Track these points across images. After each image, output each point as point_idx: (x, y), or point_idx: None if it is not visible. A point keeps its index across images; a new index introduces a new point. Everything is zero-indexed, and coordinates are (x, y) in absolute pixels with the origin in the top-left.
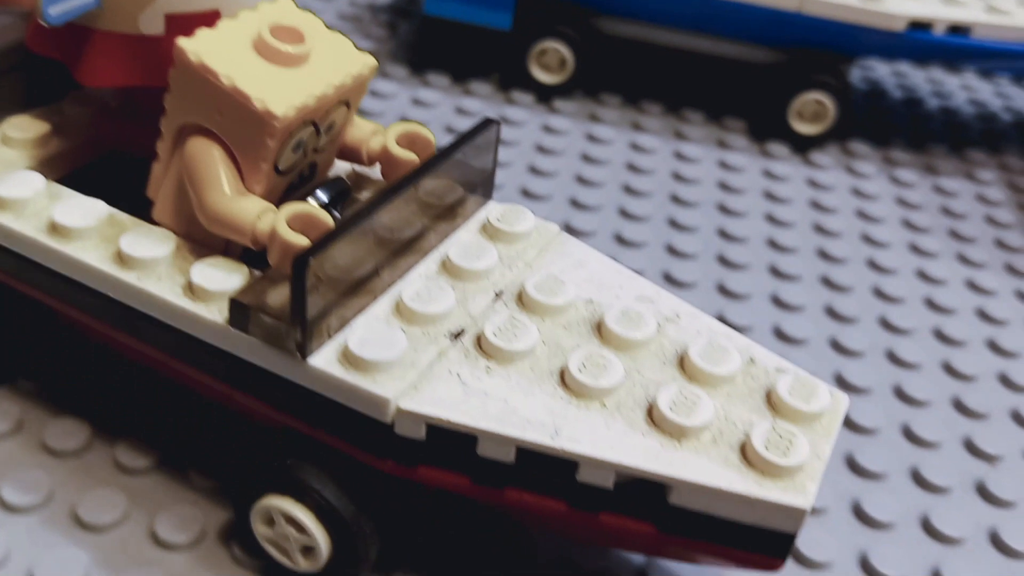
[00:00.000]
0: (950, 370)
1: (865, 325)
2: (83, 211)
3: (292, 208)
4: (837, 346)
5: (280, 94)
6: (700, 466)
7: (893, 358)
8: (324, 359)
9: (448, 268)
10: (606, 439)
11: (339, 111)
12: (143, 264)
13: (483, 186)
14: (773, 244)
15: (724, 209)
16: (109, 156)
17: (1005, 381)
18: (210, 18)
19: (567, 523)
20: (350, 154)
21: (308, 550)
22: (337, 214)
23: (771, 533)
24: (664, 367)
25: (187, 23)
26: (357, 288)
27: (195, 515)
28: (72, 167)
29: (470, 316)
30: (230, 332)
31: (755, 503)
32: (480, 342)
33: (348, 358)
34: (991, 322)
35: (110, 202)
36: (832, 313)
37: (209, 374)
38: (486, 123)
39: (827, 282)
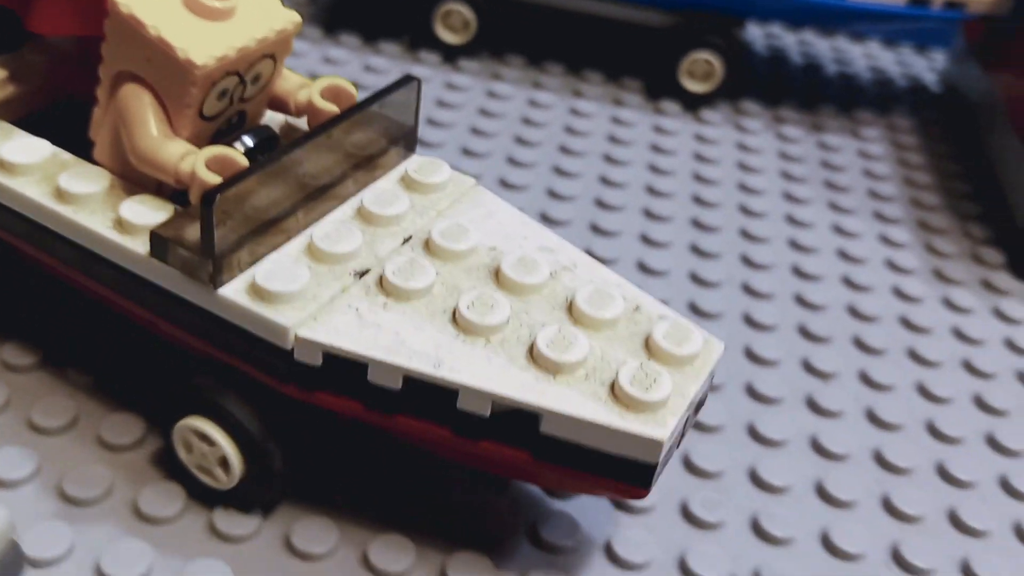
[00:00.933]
0: (802, 301)
1: (727, 260)
2: (28, 149)
3: (211, 150)
4: (696, 278)
5: (203, 45)
6: (569, 398)
7: (748, 289)
8: (233, 290)
9: (362, 214)
10: (485, 371)
11: (265, 64)
12: (78, 199)
13: (406, 140)
14: (651, 190)
15: (609, 159)
16: (66, 102)
17: (853, 311)
18: None
19: (452, 449)
20: (279, 105)
21: (224, 465)
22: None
23: (634, 463)
24: (552, 311)
25: None
26: (270, 227)
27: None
28: (28, 111)
29: (376, 258)
30: (152, 263)
31: (617, 434)
32: (381, 281)
33: (255, 290)
34: (849, 261)
35: (61, 145)
36: (696, 250)
37: (134, 302)
38: (407, 79)
39: (697, 224)
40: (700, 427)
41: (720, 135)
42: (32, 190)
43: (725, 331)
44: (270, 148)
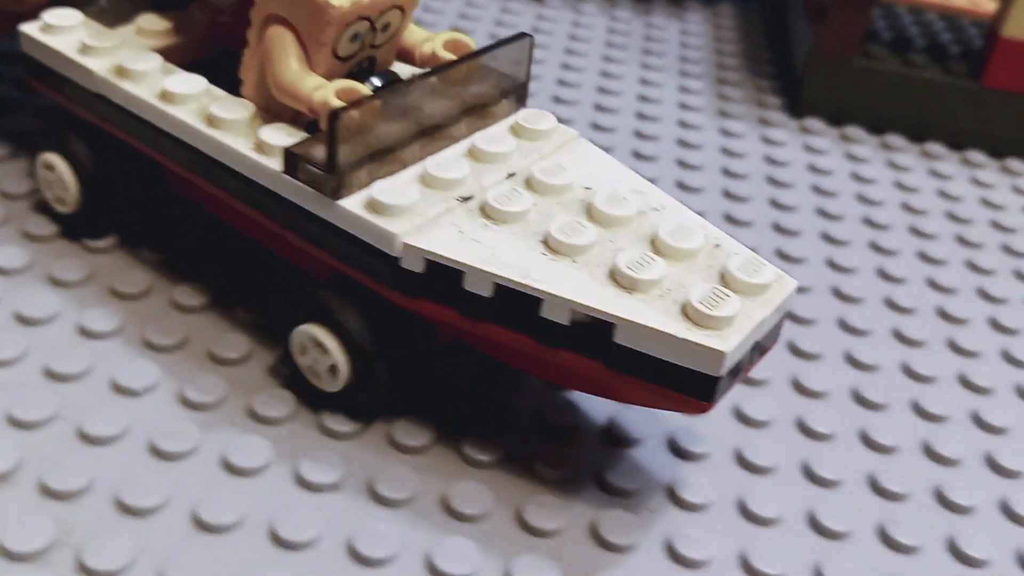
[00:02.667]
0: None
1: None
2: (187, 83)
3: (340, 83)
4: None
5: None
6: (642, 311)
7: None
8: (352, 203)
9: (471, 151)
10: (568, 284)
11: (393, 14)
12: (225, 123)
13: (517, 94)
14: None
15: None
16: (225, 53)
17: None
18: None
19: (535, 358)
20: (406, 56)
21: (332, 370)
22: None
23: (699, 376)
24: (637, 241)
25: None
26: (388, 155)
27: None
28: (191, 58)
29: (480, 187)
30: (284, 179)
31: (684, 345)
32: (483, 207)
33: (370, 203)
34: (646, 101)
35: (217, 84)
36: None
37: (268, 216)
38: (520, 36)
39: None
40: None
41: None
42: (189, 116)
43: None
44: (387, 87)
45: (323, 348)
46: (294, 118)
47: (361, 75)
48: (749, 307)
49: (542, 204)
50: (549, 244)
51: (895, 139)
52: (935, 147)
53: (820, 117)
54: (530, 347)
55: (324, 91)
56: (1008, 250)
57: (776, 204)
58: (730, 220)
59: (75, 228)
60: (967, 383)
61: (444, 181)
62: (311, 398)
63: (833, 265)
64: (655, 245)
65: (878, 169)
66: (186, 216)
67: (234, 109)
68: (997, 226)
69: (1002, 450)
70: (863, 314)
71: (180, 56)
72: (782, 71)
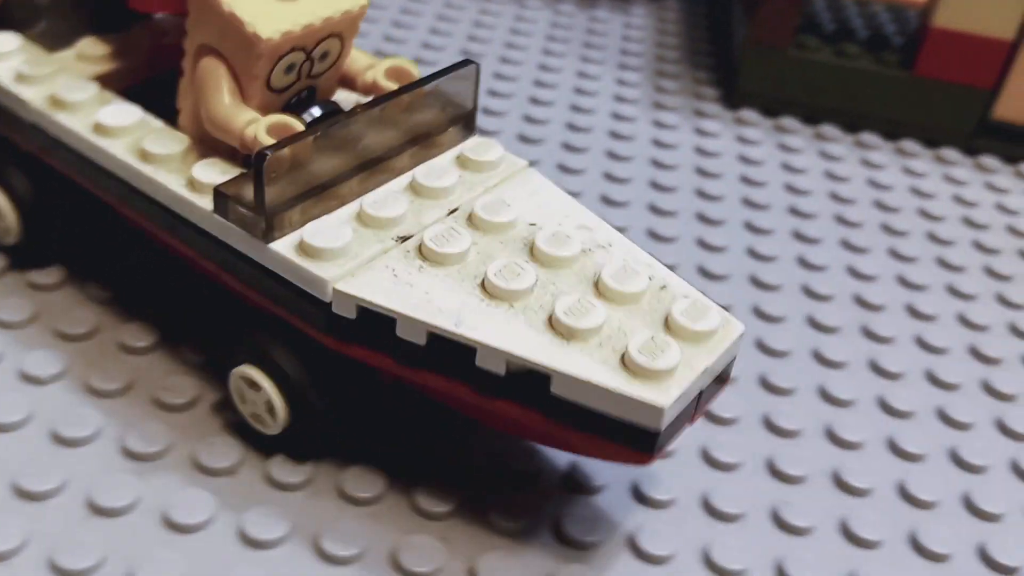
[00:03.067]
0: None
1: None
2: (121, 115)
3: (272, 118)
4: None
5: (270, 21)
6: (579, 362)
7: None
8: (282, 245)
9: (412, 186)
10: (503, 332)
11: (332, 43)
12: (158, 159)
13: (464, 122)
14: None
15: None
16: (169, 75)
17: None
18: None
19: (471, 406)
20: (348, 84)
21: (271, 411)
22: None
23: (638, 429)
24: (579, 284)
25: None
26: (324, 192)
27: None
28: (130, 82)
29: (420, 225)
30: (215, 219)
31: (621, 398)
32: (420, 247)
33: (301, 246)
34: (582, 93)
35: (158, 114)
36: None
37: (200, 255)
38: (464, 63)
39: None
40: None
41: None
42: (121, 150)
43: None
44: (323, 118)
45: (258, 388)
46: (232, 152)
47: (300, 106)
48: (692, 356)
49: (483, 243)
50: (487, 288)
51: (830, 129)
52: (870, 137)
53: (755, 108)
54: (467, 395)
55: (255, 126)
56: (934, 238)
57: (702, 194)
58: (654, 210)
59: (20, 259)
60: (876, 368)
61: (381, 220)
62: (256, 443)
63: (754, 254)
64: (598, 288)
65: (810, 159)
66: (133, 245)
67: (167, 143)
68: (925, 215)
69: (967, 447)
70: (779, 302)
71: (122, 80)
72: (721, 63)
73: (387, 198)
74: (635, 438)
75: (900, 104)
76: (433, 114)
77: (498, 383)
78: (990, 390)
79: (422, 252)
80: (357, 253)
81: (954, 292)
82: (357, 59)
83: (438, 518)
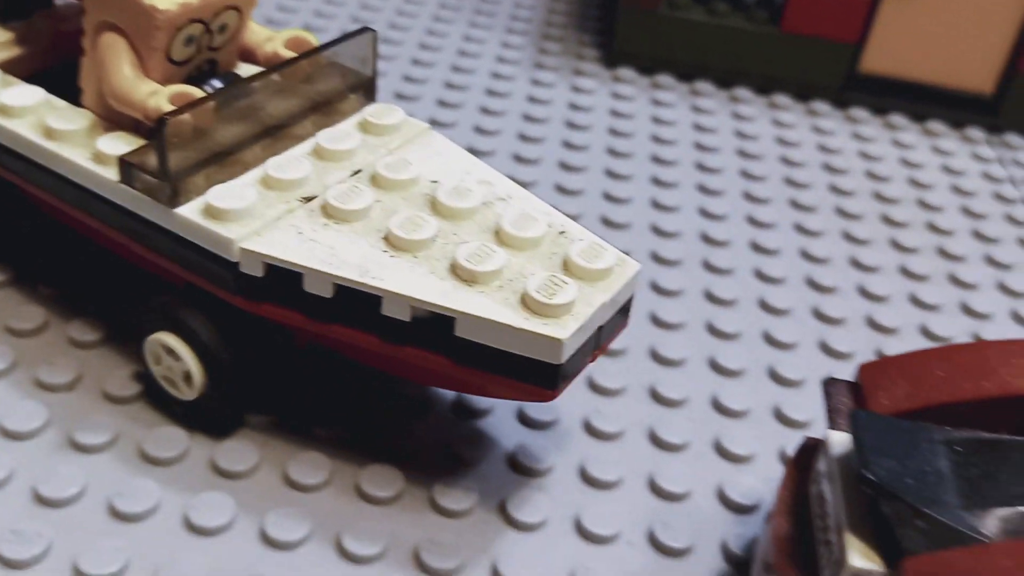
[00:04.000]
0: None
1: None
2: (24, 95)
3: (174, 88)
4: None
5: None
6: (481, 304)
7: None
8: (188, 209)
9: (316, 150)
10: (407, 280)
11: (229, 15)
12: (63, 135)
13: (364, 89)
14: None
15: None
16: (71, 63)
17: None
18: None
19: (380, 356)
20: (248, 56)
21: (187, 378)
22: None
23: (540, 364)
24: (480, 233)
25: None
26: (227, 158)
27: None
28: (35, 69)
29: (323, 187)
30: (120, 188)
31: (523, 335)
32: (324, 205)
33: (207, 209)
34: (463, 54)
35: (61, 96)
36: None
37: (108, 225)
38: (363, 30)
39: None
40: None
41: None
42: (25, 129)
43: None
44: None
45: (176, 356)
46: (135, 126)
47: (201, 79)
48: (588, 293)
49: (386, 200)
50: (390, 241)
51: (704, 86)
52: (742, 92)
53: (633, 67)
54: (375, 345)
55: (157, 97)
56: (790, 182)
57: (567, 144)
58: (519, 160)
59: None
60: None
61: (285, 182)
62: (170, 409)
63: (608, 197)
64: (498, 236)
65: (680, 112)
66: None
67: (71, 120)
68: (786, 161)
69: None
70: (630, 240)
71: (24, 67)
72: (606, 27)
73: (290, 162)
74: (538, 374)
75: (771, 60)
76: (334, 81)
77: (404, 330)
78: (872, 322)
79: (326, 211)
80: (262, 214)
81: (800, 229)
82: (256, 31)
83: (456, 515)
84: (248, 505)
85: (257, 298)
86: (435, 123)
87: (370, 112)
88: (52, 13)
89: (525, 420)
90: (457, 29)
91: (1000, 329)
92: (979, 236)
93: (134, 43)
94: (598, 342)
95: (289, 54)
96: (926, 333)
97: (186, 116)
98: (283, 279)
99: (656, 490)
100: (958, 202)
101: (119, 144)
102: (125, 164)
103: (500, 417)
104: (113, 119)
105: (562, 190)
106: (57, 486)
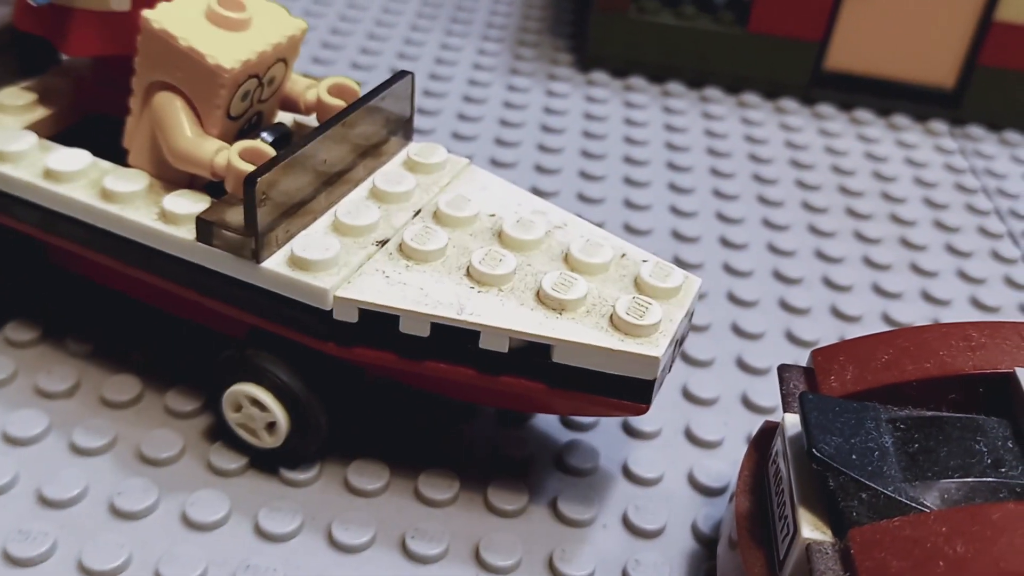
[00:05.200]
0: None
1: None
2: (71, 159)
3: (242, 144)
4: None
5: (227, 52)
6: (575, 330)
7: None
8: (274, 262)
9: (375, 193)
10: (501, 313)
11: (278, 67)
12: (124, 197)
13: (404, 130)
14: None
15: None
16: (87, 119)
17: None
18: None
19: (476, 387)
20: (290, 105)
21: (271, 427)
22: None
23: (634, 381)
24: (551, 261)
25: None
26: (299, 209)
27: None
28: (58, 129)
29: (393, 228)
30: (198, 247)
31: (619, 355)
32: (401, 247)
33: (294, 261)
34: (442, 64)
35: (92, 154)
36: None
37: (181, 285)
38: (401, 74)
39: None
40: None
41: None
42: (81, 193)
43: None
44: (284, 142)
45: (260, 406)
46: (189, 182)
47: (250, 130)
48: (668, 310)
49: (455, 237)
50: (473, 276)
51: (675, 86)
52: (712, 91)
53: (605, 71)
54: (471, 378)
55: (226, 154)
56: (758, 178)
57: (543, 147)
58: (496, 163)
59: None
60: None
61: (358, 228)
62: (254, 458)
63: (583, 197)
64: (570, 263)
65: (652, 113)
66: (72, 291)
67: (129, 181)
68: (753, 158)
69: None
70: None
71: (48, 128)
72: (579, 32)
73: (358, 207)
74: (633, 390)
75: (739, 60)
76: (378, 124)
77: (502, 361)
78: (839, 314)
79: (405, 252)
80: (347, 261)
81: (768, 224)
82: (296, 80)
83: (441, 505)
84: (242, 500)
85: (349, 343)
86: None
87: (414, 152)
88: (63, 70)
89: (505, 416)
90: (434, 38)
91: (959, 314)
92: (940, 226)
93: (193, 101)
94: (675, 353)
95: (334, 101)
96: (888, 320)
97: (271, 172)
98: (377, 322)
99: (630, 476)
100: (920, 193)
101: (185, 202)
102: (203, 223)
103: (481, 414)
104: (166, 177)
105: (538, 192)
106: (60, 488)
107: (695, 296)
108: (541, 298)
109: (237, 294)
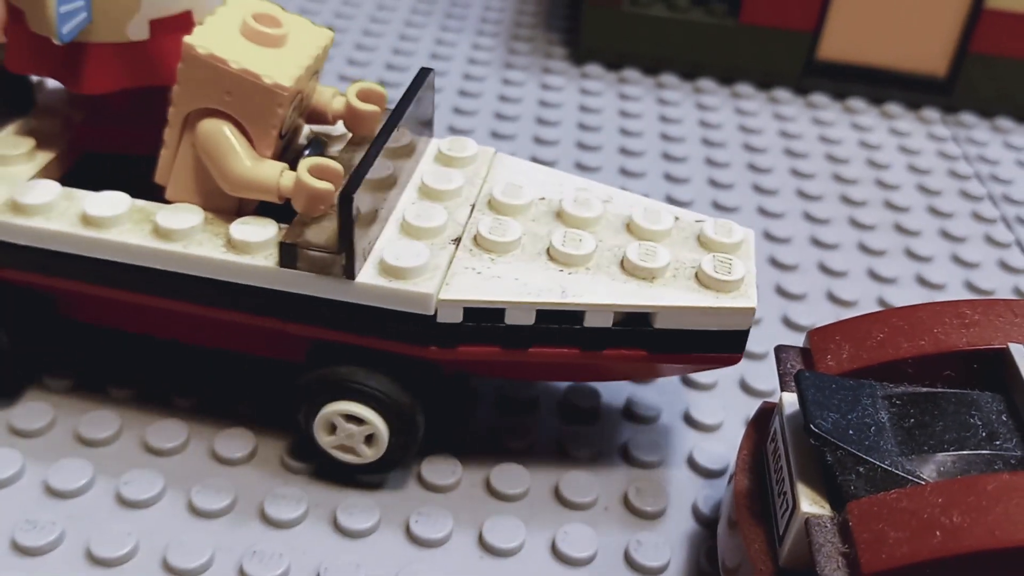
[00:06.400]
0: None
1: None
2: (111, 203)
3: (310, 162)
4: None
5: (279, 70)
6: (673, 294)
7: None
8: (368, 276)
9: (428, 192)
10: (600, 290)
11: (312, 81)
12: (184, 233)
13: (428, 127)
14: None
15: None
16: (83, 158)
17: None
18: (184, 18)
19: (579, 365)
20: (317, 116)
21: (369, 439)
22: None
23: (732, 334)
24: (618, 233)
25: (167, 26)
26: (371, 219)
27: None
28: (61, 172)
29: (459, 225)
30: (282, 272)
31: (718, 312)
32: (478, 242)
33: (387, 270)
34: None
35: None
36: None
37: (259, 315)
38: (424, 72)
39: None
40: None
41: None
42: (132, 236)
43: None
44: (322, 151)
45: (356, 420)
46: (238, 209)
47: (287, 146)
48: (744, 263)
49: (521, 225)
50: (558, 259)
51: (669, 78)
52: (706, 83)
53: (600, 63)
54: (575, 357)
55: (291, 174)
56: (752, 168)
57: (538, 140)
58: None
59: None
60: None
61: (433, 230)
62: (343, 475)
63: None
64: (635, 232)
65: (646, 105)
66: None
67: (185, 216)
68: (749, 148)
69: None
70: None
71: (54, 173)
72: (572, 25)
73: (424, 209)
74: (730, 343)
75: (732, 51)
76: (411, 124)
77: (605, 336)
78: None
79: (484, 246)
80: (436, 264)
81: (763, 212)
82: (321, 91)
83: (444, 490)
84: (247, 488)
85: (452, 344)
86: None
87: (446, 147)
88: (44, 110)
89: (504, 403)
90: (429, 33)
91: (953, 298)
92: (934, 211)
93: (244, 124)
94: None
95: (368, 107)
96: (883, 304)
97: (360, 191)
98: (482, 318)
99: (630, 459)
100: (914, 180)
101: (254, 229)
102: (288, 247)
103: (483, 401)
104: (213, 206)
105: None
106: (66, 478)
107: (754, 248)
108: (629, 270)
109: (326, 314)
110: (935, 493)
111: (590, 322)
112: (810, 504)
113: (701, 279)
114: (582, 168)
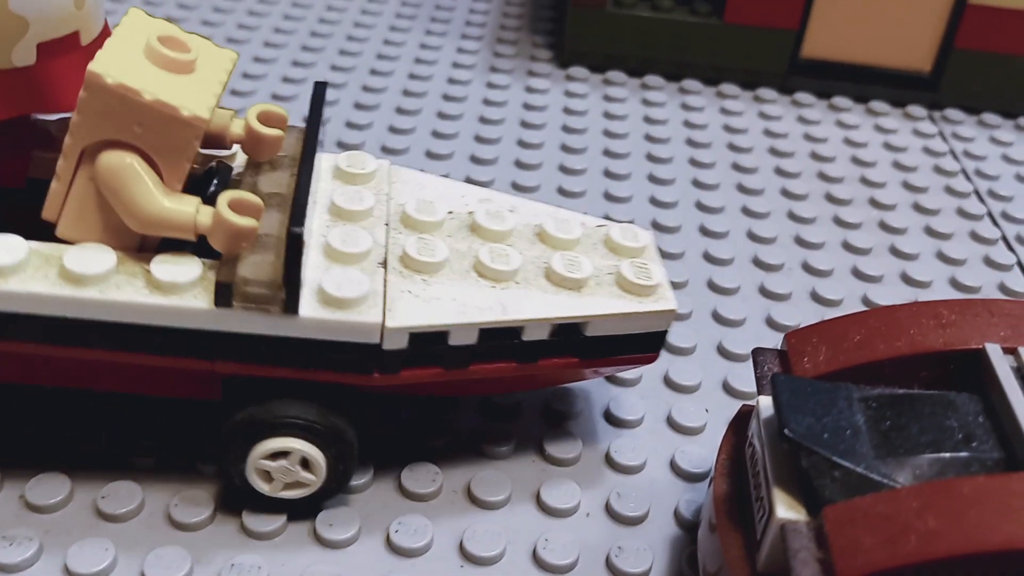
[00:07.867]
0: None
1: None
2: (5, 248)
3: (228, 196)
4: None
5: (194, 99)
6: (601, 303)
7: None
8: (310, 309)
9: (342, 214)
10: (535, 304)
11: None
12: (98, 278)
13: (320, 142)
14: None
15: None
16: None
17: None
18: (71, 40)
19: (516, 378)
20: (214, 141)
21: (307, 465)
22: None
23: (651, 335)
24: (533, 244)
25: (54, 49)
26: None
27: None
28: None
29: (381, 246)
30: (215, 312)
31: (643, 316)
32: (405, 263)
33: (329, 301)
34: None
35: None
36: None
37: (187, 357)
38: (323, 86)
39: None
40: None
41: None
42: (36, 285)
43: None
44: (226, 183)
45: (295, 457)
46: (141, 245)
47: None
48: (656, 267)
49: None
50: (487, 275)
51: (654, 79)
52: (691, 83)
53: (584, 65)
54: (512, 370)
55: (208, 210)
56: (737, 167)
57: (523, 143)
58: (476, 160)
59: None
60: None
61: (360, 255)
62: (293, 512)
63: (563, 191)
64: (548, 242)
65: (631, 106)
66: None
67: (94, 256)
68: (733, 147)
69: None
70: None
71: None
72: (556, 27)
73: (348, 233)
74: (650, 343)
75: (716, 51)
76: (299, 140)
77: (541, 347)
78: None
79: (413, 267)
80: (375, 290)
81: (747, 212)
82: (219, 115)
83: (425, 498)
84: (226, 500)
85: (395, 370)
86: (393, 130)
87: (345, 164)
88: None
89: (487, 408)
90: (413, 37)
91: (939, 296)
92: (920, 209)
93: (153, 157)
94: None
95: (268, 130)
96: (868, 304)
97: (297, 228)
98: (426, 342)
99: (612, 464)
100: (900, 177)
101: (176, 268)
102: (224, 286)
103: (465, 405)
104: (112, 244)
105: (518, 187)
106: (43, 493)
107: (656, 248)
108: (556, 281)
109: (263, 350)
110: (911, 497)
111: (528, 336)
112: (786, 510)
113: (623, 286)
114: (566, 171)
